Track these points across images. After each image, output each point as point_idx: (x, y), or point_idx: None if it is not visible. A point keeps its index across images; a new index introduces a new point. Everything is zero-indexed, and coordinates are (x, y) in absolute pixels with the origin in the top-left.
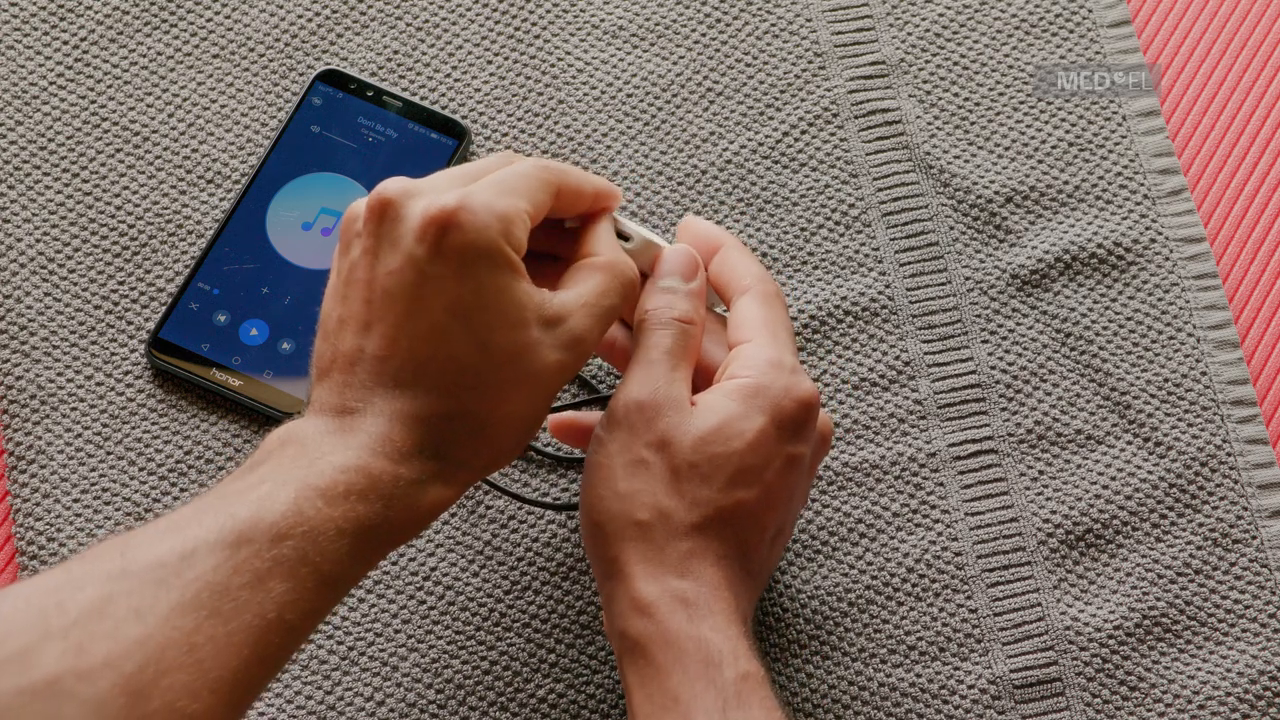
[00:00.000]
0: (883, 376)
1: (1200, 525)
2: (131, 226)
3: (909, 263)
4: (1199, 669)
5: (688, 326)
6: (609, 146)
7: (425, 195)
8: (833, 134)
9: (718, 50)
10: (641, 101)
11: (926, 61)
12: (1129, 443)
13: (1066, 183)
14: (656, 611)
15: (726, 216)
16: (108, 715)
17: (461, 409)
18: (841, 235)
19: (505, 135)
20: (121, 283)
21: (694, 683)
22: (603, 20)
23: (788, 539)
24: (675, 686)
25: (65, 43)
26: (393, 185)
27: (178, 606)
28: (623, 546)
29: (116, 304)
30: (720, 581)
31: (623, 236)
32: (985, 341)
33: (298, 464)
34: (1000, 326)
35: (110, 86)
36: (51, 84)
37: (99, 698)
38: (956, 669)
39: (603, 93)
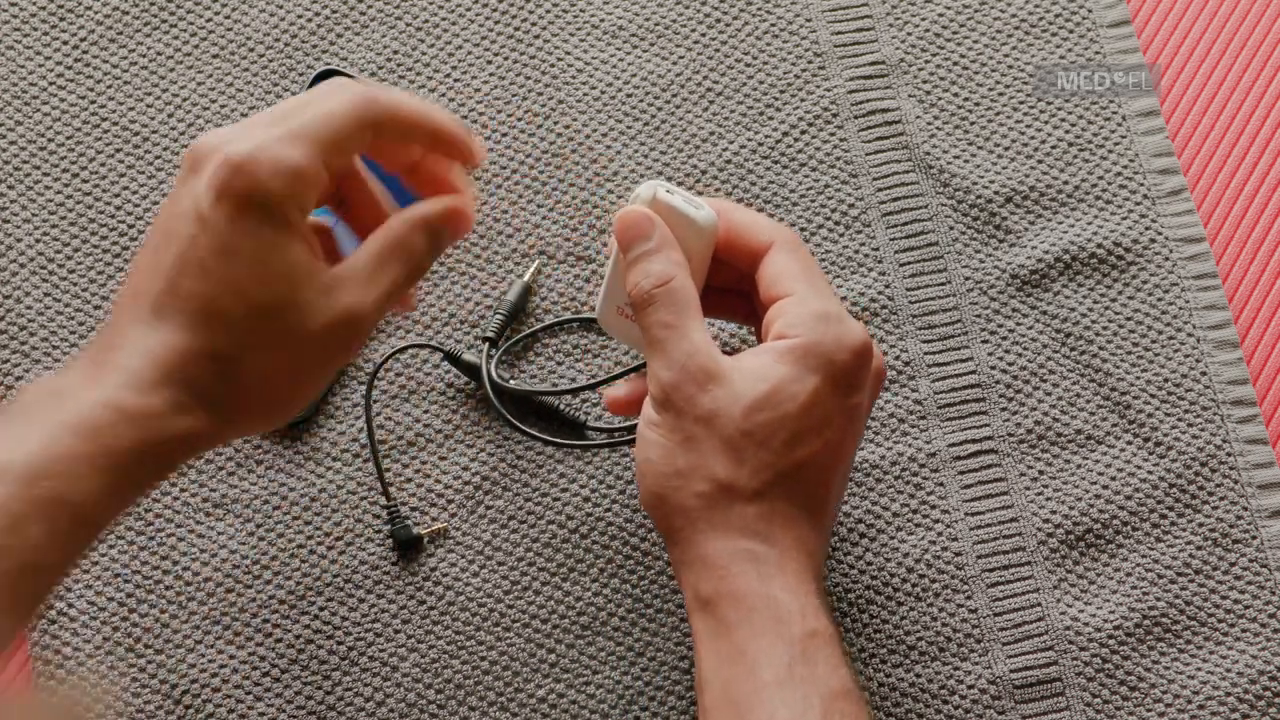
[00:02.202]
0: None
1: (1200, 525)
2: (131, 226)
3: (909, 263)
4: (1199, 669)
5: (671, 284)
6: (609, 146)
7: (226, 143)
8: (833, 134)
9: (718, 50)
10: (641, 101)
11: (926, 61)
12: (1129, 443)
13: (1066, 183)
14: (727, 571)
15: None
16: None
17: (212, 349)
18: (841, 235)
19: (505, 135)
20: (121, 283)
21: (761, 638)
22: (603, 20)
23: (845, 488)
24: (742, 641)
25: (65, 43)
26: (205, 136)
27: None
28: (688, 516)
29: None
30: (790, 542)
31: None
32: (985, 341)
33: (47, 406)
34: (1000, 326)
35: (110, 86)
36: (51, 84)
37: None
38: (956, 669)
39: (603, 93)
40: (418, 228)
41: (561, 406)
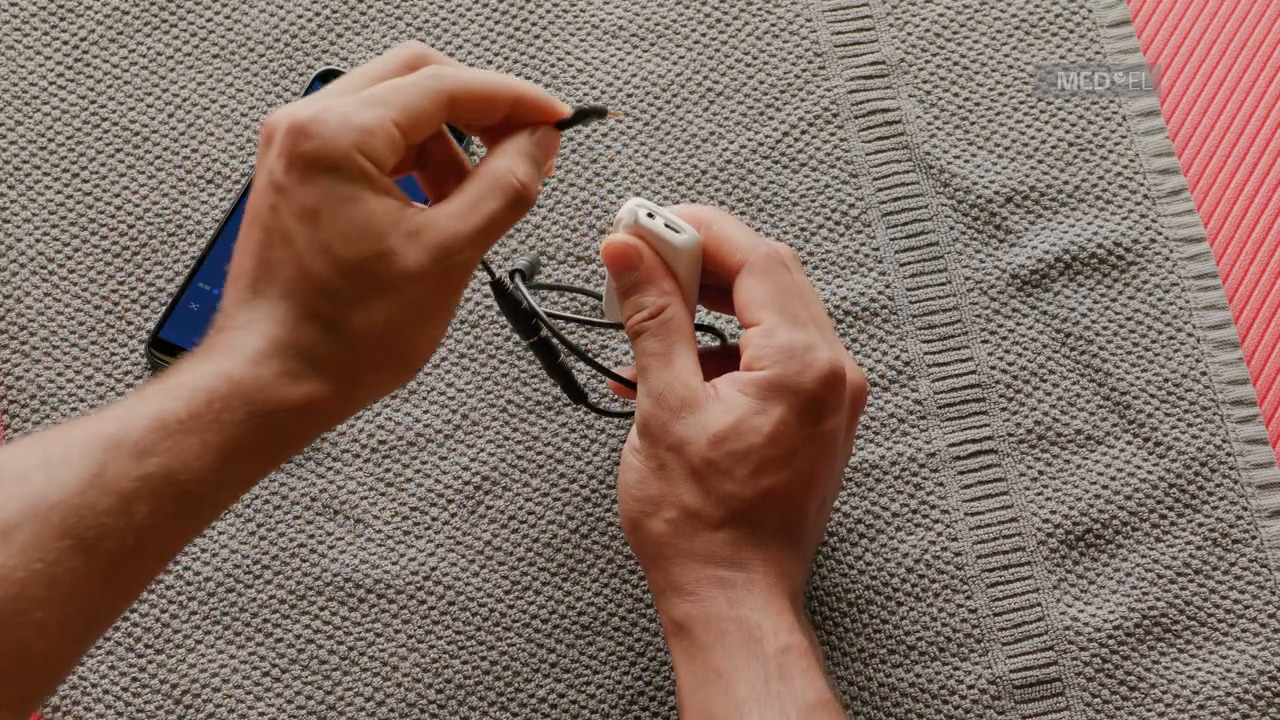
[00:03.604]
0: (883, 376)
1: (1200, 525)
2: (131, 226)
3: (909, 263)
4: (1199, 669)
5: (660, 316)
6: (609, 146)
7: (292, 111)
8: (833, 134)
9: (718, 50)
10: (641, 101)
11: (926, 61)
12: (1129, 443)
13: (1066, 183)
14: (697, 597)
15: None
16: None
17: (313, 312)
18: (841, 235)
19: None
20: (121, 283)
21: (735, 657)
22: (603, 20)
23: (832, 504)
24: (718, 661)
25: (65, 43)
26: (273, 112)
27: (42, 531)
28: (658, 543)
29: (116, 304)
30: (760, 565)
31: (674, 229)
32: (985, 341)
33: (160, 382)
34: (1000, 326)
35: (110, 86)
36: (51, 84)
37: None
38: (956, 669)
39: (603, 93)
40: (514, 155)
41: (577, 371)
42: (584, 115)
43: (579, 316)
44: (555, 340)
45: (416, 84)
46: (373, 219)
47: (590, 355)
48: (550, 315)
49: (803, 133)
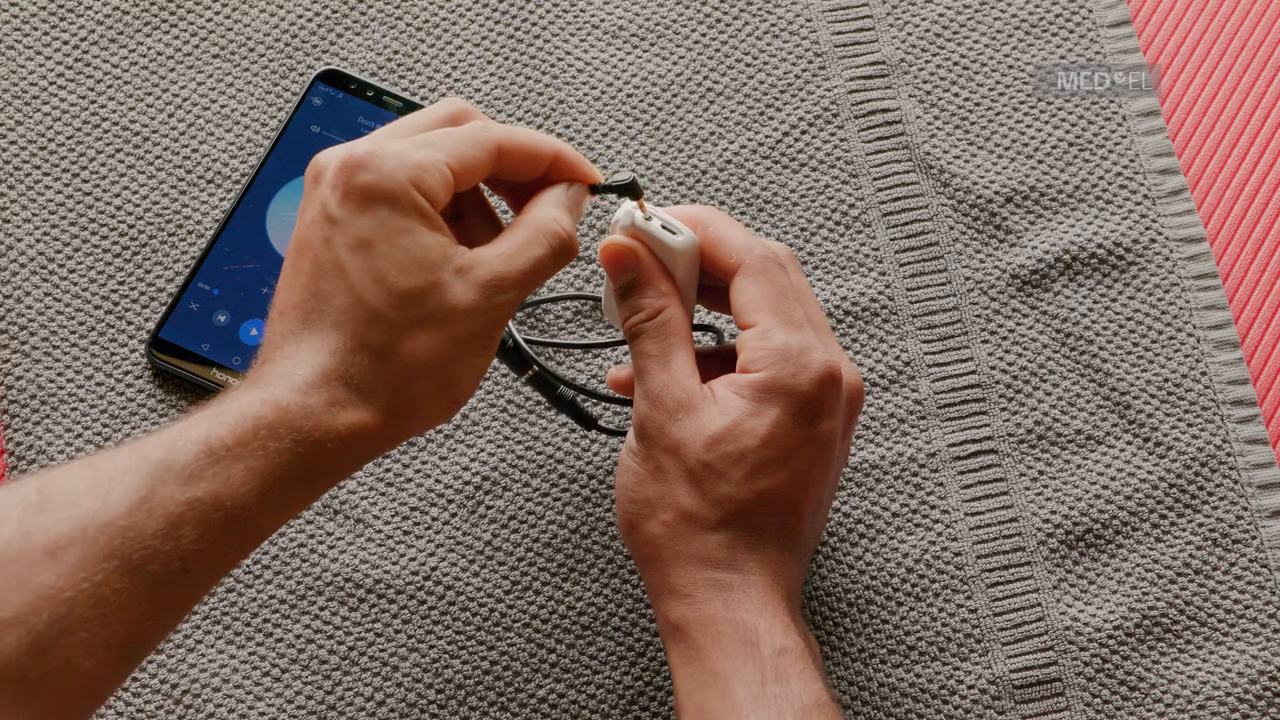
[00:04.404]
0: (883, 376)
1: (1200, 525)
2: (131, 226)
3: (909, 263)
4: (1199, 669)
5: (658, 318)
6: (609, 146)
7: (346, 149)
8: (833, 134)
9: (718, 50)
10: (641, 101)
11: (926, 61)
12: (1129, 443)
13: (1066, 183)
14: (694, 599)
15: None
16: (10, 674)
17: (364, 342)
18: (841, 235)
19: None
20: (121, 283)
21: (733, 659)
22: (603, 20)
23: (830, 506)
24: (715, 663)
25: (65, 43)
26: (322, 152)
27: (90, 552)
28: (655, 545)
29: (116, 304)
30: (756, 566)
31: (670, 230)
32: (985, 341)
33: (204, 410)
34: (1000, 326)
35: (110, 86)
36: (51, 84)
37: (4, 656)
38: (956, 669)
39: (603, 93)
40: (556, 207)
41: (580, 399)
42: (618, 188)
43: (571, 341)
44: (549, 374)
45: (466, 133)
46: (427, 252)
47: (584, 385)
48: (540, 343)
49: (803, 133)
